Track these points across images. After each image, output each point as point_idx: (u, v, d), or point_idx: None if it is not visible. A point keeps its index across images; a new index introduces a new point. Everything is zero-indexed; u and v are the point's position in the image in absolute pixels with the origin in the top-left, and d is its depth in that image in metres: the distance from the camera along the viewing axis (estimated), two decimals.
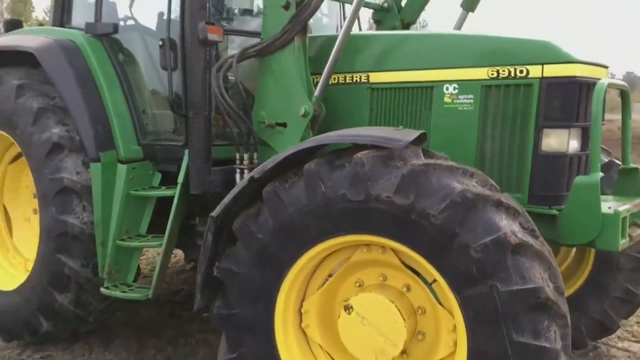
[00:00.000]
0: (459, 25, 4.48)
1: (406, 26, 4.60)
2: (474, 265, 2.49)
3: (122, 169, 4.07)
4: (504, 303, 2.46)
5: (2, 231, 4.94)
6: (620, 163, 3.72)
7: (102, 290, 3.99)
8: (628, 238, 3.07)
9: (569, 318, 2.59)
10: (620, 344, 4.54)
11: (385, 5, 4.62)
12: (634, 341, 4.60)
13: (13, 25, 5.07)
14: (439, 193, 2.54)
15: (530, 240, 2.54)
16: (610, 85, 3.11)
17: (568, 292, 4.22)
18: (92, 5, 4.48)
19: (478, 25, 4.73)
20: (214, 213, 2.99)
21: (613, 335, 4.59)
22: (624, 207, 3.04)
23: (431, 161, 2.67)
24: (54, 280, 4.10)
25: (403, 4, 4.62)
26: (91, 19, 4.41)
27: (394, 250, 2.81)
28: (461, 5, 4.39)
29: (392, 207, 2.59)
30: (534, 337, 2.45)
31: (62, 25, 4.68)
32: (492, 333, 2.50)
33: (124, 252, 4.05)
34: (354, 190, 2.66)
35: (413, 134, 2.80)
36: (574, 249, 4.34)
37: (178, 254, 6.52)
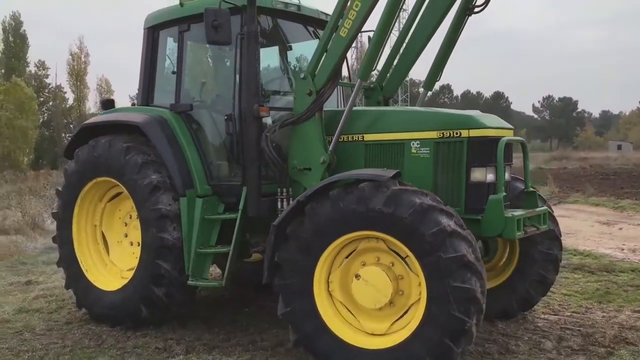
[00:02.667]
0: (421, 101, 6.58)
1: (386, 100, 6.67)
2: (428, 244, 4.46)
3: (199, 201, 6.03)
4: (445, 265, 4.42)
5: (102, 251, 6.87)
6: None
7: (189, 282, 5.90)
8: (524, 232, 5.10)
9: (483, 273, 4.55)
10: (542, 316, 6.48)
11: (372, 86, 6.70)
12: (552, 314, 6.55)
13: (108, 103, 7.12)
14: (408, 205, 4.53)
15: (459, 229, 4.53)
16: (509, 141, 5.20)
17: (503, 278, 6.28)
18: (168, 90, 6.55)
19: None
20: (275, 223, 4.97)
21: (538, 310, 6.57)
22: (519, 213, 5.08)
23: (403, 187, 4.68)
24: (153, 279, 6.00)
25: (384, 84, 6.70)
26: (167, 100, 6.46)
27: (383, 240, 4.77)
28: (422, 86, 6.49)
29: (382, 214, 4.57)
30: (462, 282, 4.40)
31: (147, 104, 6.70)
32: (439, 282, 4.45)
33: (202, 257, 5.98)
34: (359, 205, 4.64)
35: (392, 172, 4.81)
36: (507, 249, 6.32)
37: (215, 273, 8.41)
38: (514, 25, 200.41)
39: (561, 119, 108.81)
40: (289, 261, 4.93)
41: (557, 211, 16.86)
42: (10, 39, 60.87)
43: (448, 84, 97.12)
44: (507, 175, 5.48)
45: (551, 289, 7.46)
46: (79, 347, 5.82)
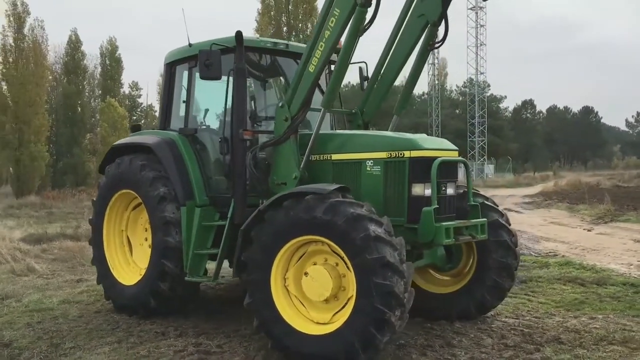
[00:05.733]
0: (392, 126, 7.44)
1: (366, 124, 7.55)
2: (357, 247, 5.32)
3: (197, 210, 7.15)
4: (370, 264, 5.26)
5: (126, 252, 8.13)
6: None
7: (187, 278, 7.02)
8: (454, 239, 5.85)
9: (405, 273, 5.34)
10: (503, 319, 7.08)
11: (353, 111, 7.61)
12: (513, 318, 7.13)
13: (136, 128, 8.44)
14: (343, 214, 5.42)
15: (384, 235, 5.35)
16: (443, 160, 5.97)
17: (463, 283, 6.97)
18: (181, 116, 7.75)
19: None
20: (242, 228, 5.98)
21: (503, 314, 7.18)
22: (450, 223, 5.84)
23: (341, 199, 5.57)
24: (160, 275, 7.16)
25: (364, 109, 7.59)
26: (180, 124, 7.65)
27: (327, 244, 5.67)
28: (394, 112, 7.35)
29: (322, 220, 5.48)
30: (383, 279, 5.22)
31: (164, 128, 7.93)
32: (365, 279, 5.28)
33: (199, 257, 7.08)
34: (305, 213, 5.57)
35: (334, 186, 5.72)
36: (472, 258, 7.01)
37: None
38: (607, 37, 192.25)
39: None
40: (252, 259, 5.91)
41: (600, 229, 17.00)
42: (107, 62, 65.75)
43: (530, 99, 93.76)
44: (450, 191, 6.23)
45: (530, 297, 8.09)
46: (96, 329, 7.06)
